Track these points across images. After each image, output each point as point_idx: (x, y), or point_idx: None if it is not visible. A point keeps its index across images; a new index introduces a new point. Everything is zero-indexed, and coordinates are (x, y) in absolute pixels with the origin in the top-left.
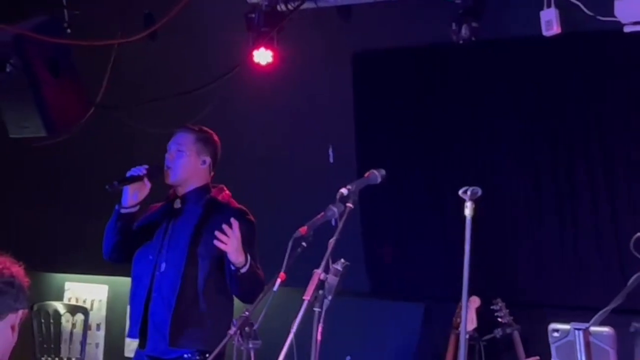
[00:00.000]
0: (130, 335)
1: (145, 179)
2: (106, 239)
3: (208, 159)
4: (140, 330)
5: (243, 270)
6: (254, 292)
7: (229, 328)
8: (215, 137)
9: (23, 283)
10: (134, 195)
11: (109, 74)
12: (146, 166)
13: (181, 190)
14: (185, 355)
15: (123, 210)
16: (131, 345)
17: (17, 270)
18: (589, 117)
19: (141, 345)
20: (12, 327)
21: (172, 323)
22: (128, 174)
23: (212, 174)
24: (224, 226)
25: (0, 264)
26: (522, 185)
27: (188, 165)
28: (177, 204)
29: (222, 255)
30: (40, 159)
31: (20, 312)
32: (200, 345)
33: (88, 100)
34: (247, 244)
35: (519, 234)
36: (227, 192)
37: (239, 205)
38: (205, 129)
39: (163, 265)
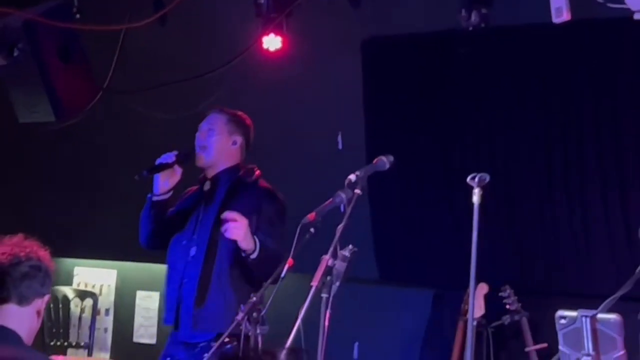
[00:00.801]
0: (166, 322)
1: (176, 165)
2: (142, 228)
3: (240, 139)
4: (175, 316)
5: (253, 257)
6: (270, 274)
7: None
8: (248, 120)
9: (49, 268)
10: (165, 182)
11: (117, 58)
12: (175, 152)
13: (211, 172)
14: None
15: (155, 198)
16: (139, 331)
17: (43, 254)
18: (600, 104)
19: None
20: (38, 312)
21: (195, 307)
22: (157, 161)
23: (243, 156)
24: (228, 214)
25: (27, 247)
26: (532, 173)
27: (219, 145)
28: (207, 186)
29: None
30: (50, 144)
31: (47, 297)
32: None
33: (96, 85)
34: (269, 222)
35: (528, 221)
36: (258, 172)
37: (267, 185)
38: (239, 112)
39: (193, 250)
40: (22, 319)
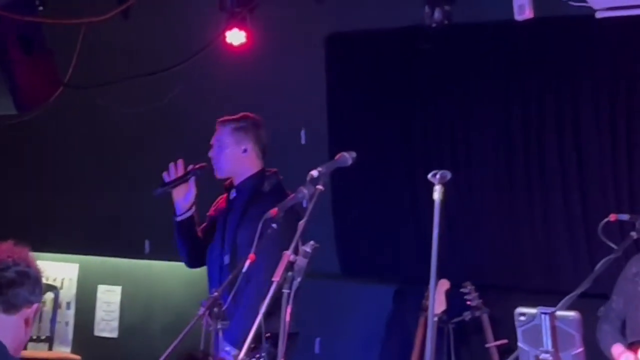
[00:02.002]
0: None
1: (190, 180)
2: (180, 251)
3: (250, 146)
4: None
5: (177, 219)
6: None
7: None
8: (257, 122)
9: (39, 275)
10: (183, 200)
11: (79, 52)
12: (179, 165)
13: (235, 181)
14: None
15: (178, 219)
16: (101, 324)
17: (33, 261)
18: (561, 101)
19: None
20: (27, 322)
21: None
22: (166, 178)
23: (261, 159)
24: None
25: (15, 253)
26: (493, 169)
27: (230, 157)
28: (233, 194)
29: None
30: (10, 137)
31: (36, 305)
32: None
33: (59, 78)
34: (271, 239)
35: (489, 217)
36: (279, 177)
37: (281, 193)
38: (245, 115)
39: (226, 258)
40: (8, 328)
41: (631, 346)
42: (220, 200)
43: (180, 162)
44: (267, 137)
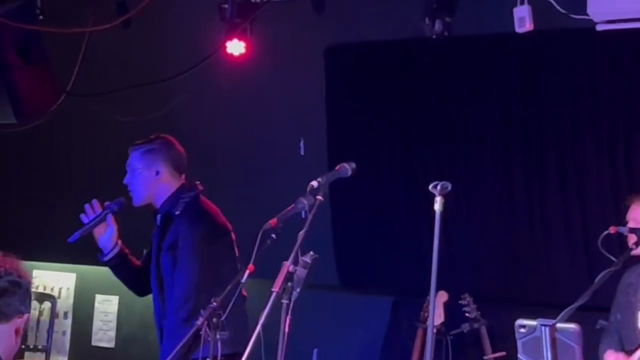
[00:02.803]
0: None
1: (107, 217)
2: (127, 286)
3: (162, 168)
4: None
5: (104, 259)
6: None
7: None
8: (167, 141)
9: (29, 285)
10: (105, 239)
11: (81, 61)
12: (95, 206)
13: (157, 205)
14: None
15: (105, 258)
16: (98, 334)
17: (24, 270)
18: (561, 114)
19: None
20: (17, 332)
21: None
22: (85, 220)
23: (178, 178)
24: None
25: (7, 263)
26: (493, 182)
27: (143, 182)
28: (158, 221)
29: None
30: (9, 146)
31: (26, 316)
32: None
33: (59, 87)
34: (187, 252)
35: (489, 229)
36: (198, 190)
37: (191, 214)
38: (154, 137)
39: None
40: (0, 337)
41: (626, 354)
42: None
43: (94, 202)
44: (180, 154)
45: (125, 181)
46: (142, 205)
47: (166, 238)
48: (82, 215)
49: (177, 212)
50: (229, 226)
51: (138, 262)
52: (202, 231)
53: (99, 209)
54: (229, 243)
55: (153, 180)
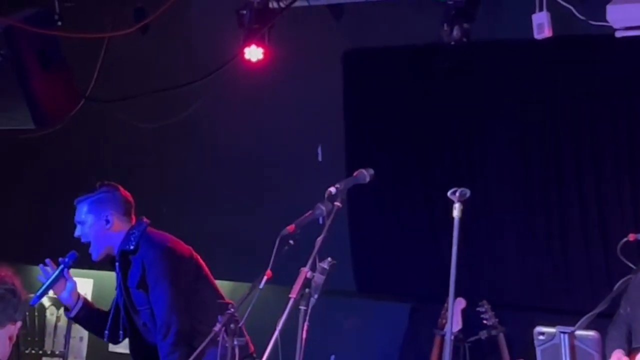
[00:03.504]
0: None
1: (64, 272)
2: (99, 336)
3: (111, 215)
4: None
5: (71, 315)
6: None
7: None
8: (112, 188)
9: (23, 295)
10: (66, 295)
11: (100, 67)
12: (49, 267)
13: (114, 252)
14: None
15: (72, 314)
16: None
17: (18, 281)
18: (579, 120)
19: None
20: (10, 338)
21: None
22: (42, 280)
23: (129, 220)
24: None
25: (1, 271)
26: (511, 187)
27: (95, 235)
28: (117, 265)
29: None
30: (27, 151)
31: (19, 323)
32: None
33: (78, 92)
34: (154, 278)
35: (507, 236)
36: (143, 225)
37: (146, 248)
38: (98, 186)
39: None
40: None
41: (634, 352)
42: None
43: (48, 260)
44: (127, 198)
45: (76, 235)
46: (101, 259)
47: (129, 277)
48: (39, 277)
49: (131, 248)
50: (187, 247)
51: (104, 310)
52: (160, 254)
53: (53, 267)
54: (193, 261)
55: (104, 230)
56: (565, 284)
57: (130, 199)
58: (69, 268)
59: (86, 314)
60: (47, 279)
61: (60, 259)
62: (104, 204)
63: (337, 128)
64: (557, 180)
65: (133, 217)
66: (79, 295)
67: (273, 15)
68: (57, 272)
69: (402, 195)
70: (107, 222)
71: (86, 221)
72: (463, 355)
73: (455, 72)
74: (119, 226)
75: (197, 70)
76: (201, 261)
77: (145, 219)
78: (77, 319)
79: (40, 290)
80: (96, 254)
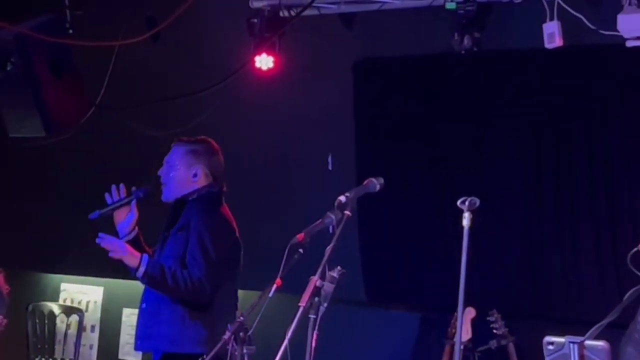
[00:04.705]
0: None
1: (132, 203)
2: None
3: (200, 171)
4: None
5: (138, 275)
6: (171, 294)
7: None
8: (212, 147)
9: (3, 290)
10: (123, 223)
11: (110, 74)
12: (120, 190)
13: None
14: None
15: (126, 240)
16: (125, 348)
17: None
18: (591, 129)
19: None
20: None
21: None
22: (109, 200)
23: (212, 180)
24: (100, 240)
25: None
26: (522, 197)
27: (178, 179)
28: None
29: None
30: (39, 159)
31: (4, 320)
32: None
33: (88, 100)
34: (199, 244)
35: (517, 245)
36: (219, 188)
37: (206, 202)
38: (202, 139)
39: None
40: None
41: None
42: None
43: (121, 185)
44: (220, 163)
45: (160, 173)
46: (169, 203)
47: (178, 222)
48: (106, 195)
49: (192, 198)
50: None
51: (150, 251)
52: (217, 222)
53: (123, 194)
54: (238, 252)
55: (188, 180)
56: (575, 293)
57: (223, 165)
58: (138, 200)
59: (133, 247)
60: (113, 201)
61: (133, 189)
62: (200, 158)
63: (348, 137)
64: (568, 189)
65: (217, 179)
66: (135, 228)
67: (284, 23)
68: (126, 200)
69: (413, 204)
70: (195, 175)
71: (175, 165)
72: None
73: (465, 81)
74: (202, 182)
75: (208, 79)
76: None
77: (225, 186)
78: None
79: (104, 210)
80: (170, 196)
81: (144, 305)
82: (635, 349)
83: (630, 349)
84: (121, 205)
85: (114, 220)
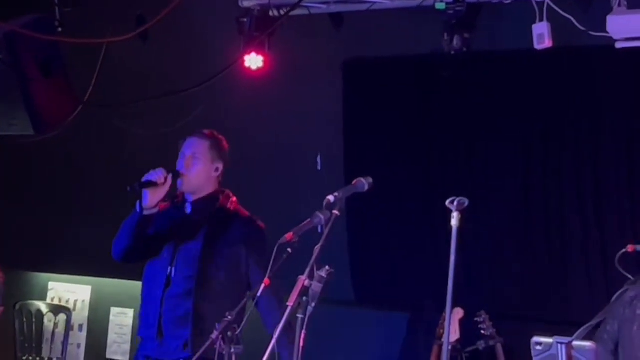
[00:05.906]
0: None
1: (168, 179)
2: (120, 240)
3: (221, 166)
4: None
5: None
6: None
7: None
8: (226, 143)
9: (1, 281)
10: (153, 197)
11: (99, 72)
12: (163, 171)
13: (193, 197)
14: None
15: (146, 212)
16: (112, 347)
17: None
18: (580, 130)
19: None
20: None
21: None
22: (146, 178)
23: (221, 181)
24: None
25: None
26: (510, 198)
27: (202, 173)
28: (188, 209)
29: (238, 265)
30: (27, 157)
31: (1, 308)
32: None
33: (76, 98)
34: (257, 252)
35: (506, 246)
36: (234, 198)
37: (247, 213)
38: (217, 133)
39: (173, 270)
40: None
41: None
42: (161, 209)
43: (162, 169)
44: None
45: (183, 167)
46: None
47: (222, 236)
48: (151, 172)
49: (232, 209)
50: None
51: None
52: (264, 235)
53: (163, 174)
54: None
55: (210, 175)
56: (563, 294)
57: None
58: (174, 178)
59: (147, 223)
60: (151, 177)
61: (165, 171)
62: (222, 153)
63: (337, 137)
64: (557, 190)
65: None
66: (159, 205)
67: (273, 23)
68: (166, 174)
69: (402, 204)
70: (217, 170)
71: (199, 158)
72: None
73: (455, 82)
74: (218, 181)
75: (197, 78)
76: None
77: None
78: (142, 219)
79: (140, 182)
80: (189, 187)
81: None
82: (604, 349)
83: (600, 349)
84: (157, 184)
85: (149, 192)
